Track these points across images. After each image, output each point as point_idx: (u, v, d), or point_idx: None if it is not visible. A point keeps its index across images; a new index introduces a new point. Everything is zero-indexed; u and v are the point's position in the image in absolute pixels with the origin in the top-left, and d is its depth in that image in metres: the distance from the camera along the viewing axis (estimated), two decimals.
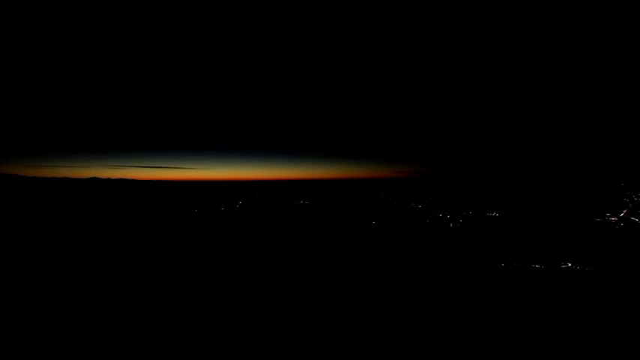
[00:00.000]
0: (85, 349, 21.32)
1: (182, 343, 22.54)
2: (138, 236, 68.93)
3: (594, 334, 24.25)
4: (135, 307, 28.90)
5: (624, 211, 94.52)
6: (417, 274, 42.09)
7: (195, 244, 62.00)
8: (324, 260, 49.56)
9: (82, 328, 24.32)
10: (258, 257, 51.36)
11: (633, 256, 49.20)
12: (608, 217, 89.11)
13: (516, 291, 35.38)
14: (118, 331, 23.88)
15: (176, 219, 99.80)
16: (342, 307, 29.66)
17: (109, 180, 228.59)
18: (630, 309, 29.15)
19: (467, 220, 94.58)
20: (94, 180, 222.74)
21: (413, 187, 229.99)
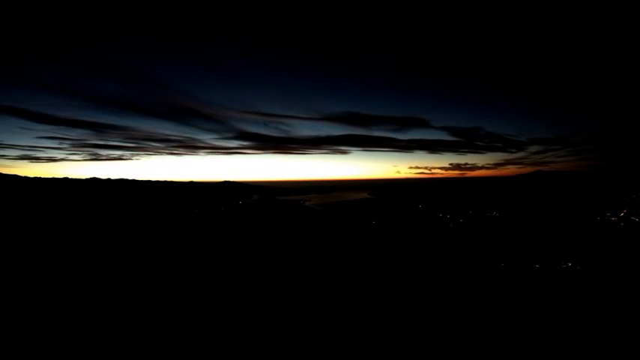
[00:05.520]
0: (85, 349, 21.32)
1: (182, 341, 22.54)
2: (138, 236, 68.94)
3: (594, 333, 24.25)
4: (135, 307, 28.90)
5: (624, 211, 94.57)
6: (417, 274, 42.09)
7: (195, 244, 62.01)
8: (324, 260, 49.55)
9: (83, 327, 24.32)
10: (258, 257, 51.35)
11: (633, 256, 49.21)
12: (608, 217, 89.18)
13: (516, 291, 35.38)
14: (118, 331, 23.88)
15: (176, 219, 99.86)
16: (342, 305, 29.66)
17: (108, 180, 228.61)
18: (630, 309, 29.16)
19: (467, 220, 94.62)
20: (94, 180, 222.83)
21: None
